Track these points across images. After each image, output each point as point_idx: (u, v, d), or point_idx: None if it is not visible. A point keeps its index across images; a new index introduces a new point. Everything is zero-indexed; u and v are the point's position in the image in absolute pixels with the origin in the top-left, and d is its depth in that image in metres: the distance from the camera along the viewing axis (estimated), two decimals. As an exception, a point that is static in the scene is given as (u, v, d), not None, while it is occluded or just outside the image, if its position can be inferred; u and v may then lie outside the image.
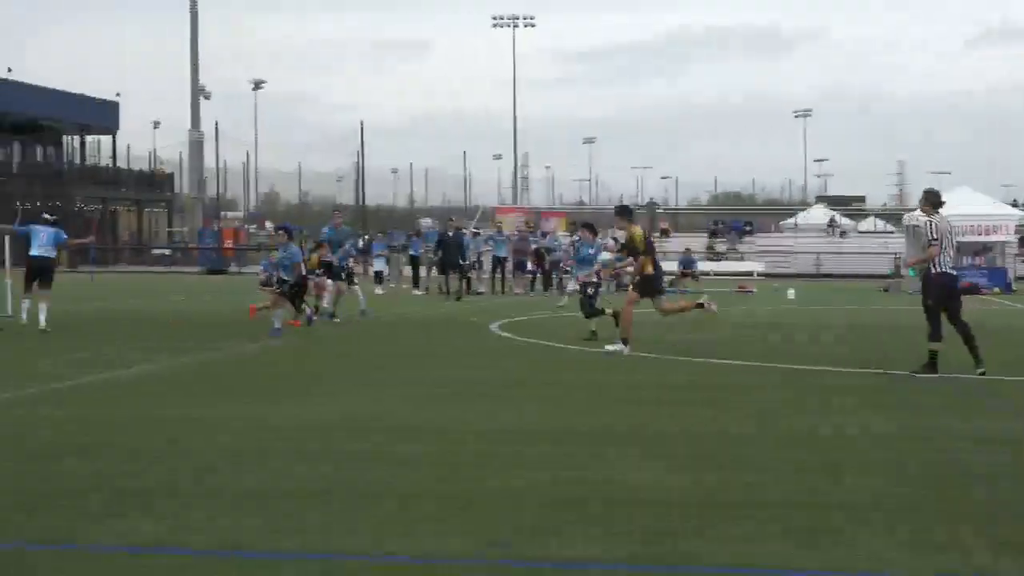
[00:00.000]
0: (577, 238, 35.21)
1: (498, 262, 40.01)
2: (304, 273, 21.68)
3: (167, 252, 75.59)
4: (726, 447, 9.66)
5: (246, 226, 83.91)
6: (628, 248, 17.76)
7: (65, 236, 22.40)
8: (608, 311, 19.36)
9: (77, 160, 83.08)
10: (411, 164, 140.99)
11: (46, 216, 22.60)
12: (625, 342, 17.12)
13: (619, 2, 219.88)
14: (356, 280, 25.29)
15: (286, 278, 20.81)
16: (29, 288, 21.43)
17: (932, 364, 14.30)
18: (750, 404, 12.18)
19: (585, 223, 23.73)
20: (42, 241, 21.37)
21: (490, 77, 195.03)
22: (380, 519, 7.16)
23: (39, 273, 21.34)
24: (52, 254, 21.66)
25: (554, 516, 7.25)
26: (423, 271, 40.09)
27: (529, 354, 17.58)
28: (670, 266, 44.35)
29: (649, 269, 17.39)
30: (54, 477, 8.44)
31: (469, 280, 36.96)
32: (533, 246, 39.97)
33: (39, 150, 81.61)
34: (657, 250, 18.72)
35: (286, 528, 6.95)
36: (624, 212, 18.26)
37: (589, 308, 19.77)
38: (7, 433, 10.30)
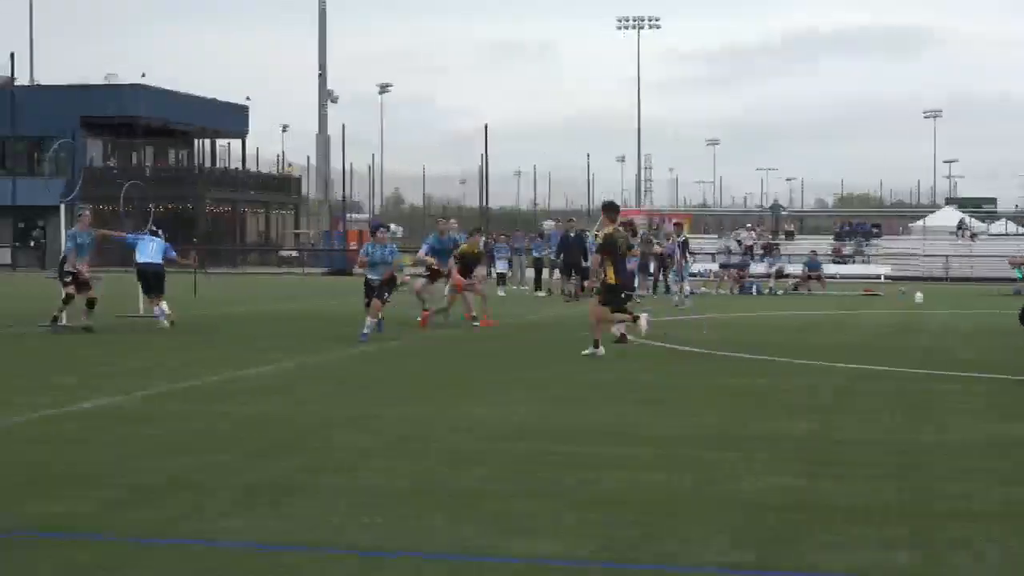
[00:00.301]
0: (683, 239, 35.22)
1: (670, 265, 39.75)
2: (394, 276, 20.30)
3: (294, 254, 76.55)
4: (844, 452, 9.60)
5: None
6: (603, 248, 17.37)
7: (174, 253, 22.96)
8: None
9: (207, 163, 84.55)
10: (534, 166, 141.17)
11: (153, 228, 23.11)
12: (596, 344, 16.97)
13: (744, 2, 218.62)
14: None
15: (374, 277, 19.67)
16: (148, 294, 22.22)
17: None
18: (871, 409, 12.10)
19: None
20: (151, 250, 22.01)
21: (613, 78, 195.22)
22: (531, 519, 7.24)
23: (149, 279, 22.07)
24: (160, 261, 22.27)
25: (679, 519, 7.28)
26: (545, 273, 40.16)
27: (654, 358, 17.52)
28: (795, 269, 43.96)
29: (612, 277, 17.10)
30: (184, 470, 8.64)
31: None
32: (656, 248, 39.72)
33: (171, 154, 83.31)
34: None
35: (432, 528, 7.04)
36: (609, 208, 18.07)
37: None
38: (151, 429, 10.58)
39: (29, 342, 19.19)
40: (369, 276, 19.80)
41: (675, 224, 40.06)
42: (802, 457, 9.33)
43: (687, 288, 33.26)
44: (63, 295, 20.82)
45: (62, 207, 25.38)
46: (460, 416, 11.37)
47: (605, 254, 17.18)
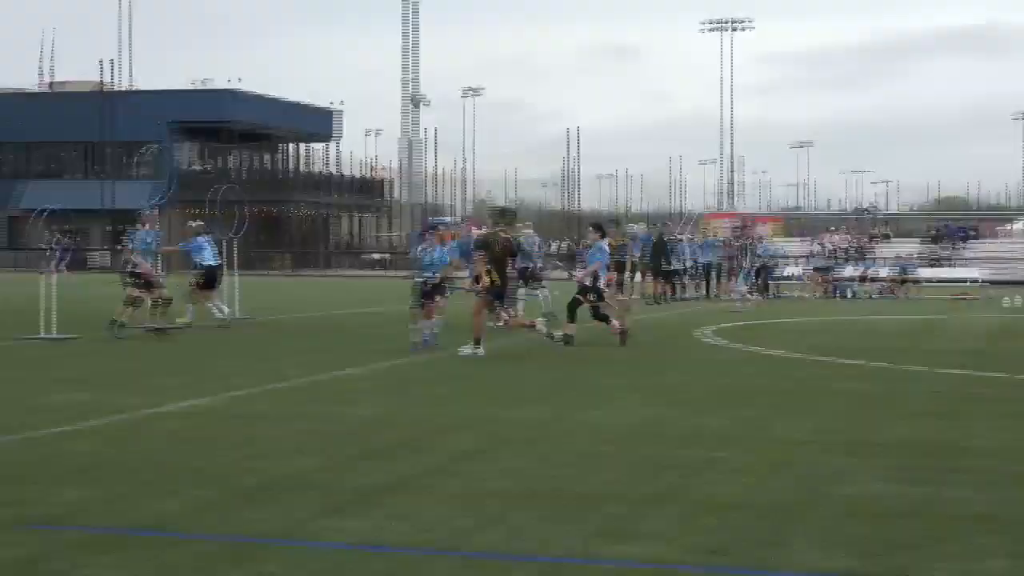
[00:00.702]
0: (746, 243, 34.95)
1: (707, 268, 39.62)
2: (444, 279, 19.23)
3: (380, 256, 77.09)
4: (971, 459, 9.41)
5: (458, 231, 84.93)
6: (478, 248, 17.86)
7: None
8: (615, 323, 19.33)
9: (297, 167, 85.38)
10: (621, 169, 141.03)
11: (208, 231, 23.46)
12: (477, 342, 17.11)
13: (833, 4, 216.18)
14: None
15: (424, 277, 18.52)
16: (205, 293, 22.34)
17: None
18: (997, 415, 11.92)
19: (593, 223, 22.45)
20: (214, 252, 22.45)
21: (701, 81, 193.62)
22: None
23: (213, 280, 22.50)
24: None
25: (798, 525, 7.18)
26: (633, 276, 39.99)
27: (764, 363, 17.34)
28: (887, 272, 43.39)
29: (488, 279, 17.55)
30: (302, 470, 8.65)
31: (674, 286, 36.66)
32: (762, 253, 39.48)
33: (262, 157, 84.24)
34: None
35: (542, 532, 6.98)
36: (496, 213, 19.01)
37: (593, 312, 19.55)
38: (268, 430, 10.65)
39: (130, 344, 19.37)
40: (422, 278, 18.57)
41: (736, 227, 39.76)
42: (929, 464, 9.09)
43: (743, 290, 33.21)
44: (128, 297, 20.45)
45: (155, 210, 25.72)
46: (578, 420, 11.30)
47: (481, 256, 17.62)
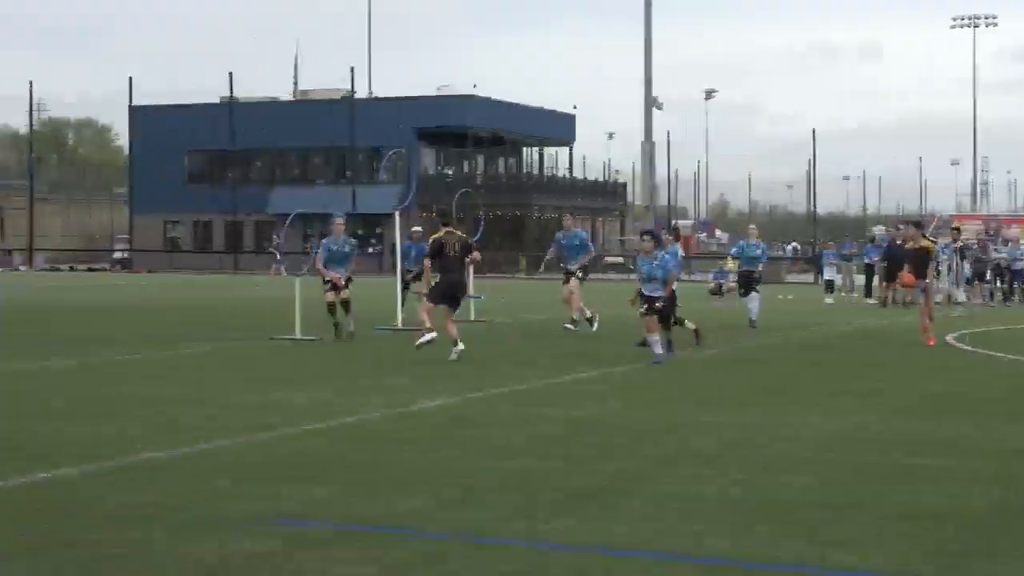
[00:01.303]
0: (958, 245, 33.71)
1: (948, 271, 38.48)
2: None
3: (619, 260, 77.22)
4: None
5: (696, 234, 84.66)
6: (431, 252, 17.96)
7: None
8: (689, 324, 19.28)
9: (535, 171, 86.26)
10: (863, 171, 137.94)
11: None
12: (429, 330, 17.13)
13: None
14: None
15: (650, 294, 17.12)
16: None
17: None
18: None
19: (646, 230, 19.39)
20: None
21: (945, 79, 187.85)
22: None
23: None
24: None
25: (1007, 538, 7.08)
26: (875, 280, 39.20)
27: (983, 367, 16.94)
28: None
29: (429, 281, 18.02)
30: (515, 471, 8.90)
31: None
32: (995, 255, 38.19)
33: (500, 162, 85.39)
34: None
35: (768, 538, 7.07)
36: (441, 214, 19.39)
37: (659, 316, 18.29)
38: (484, 431, 10.96)
39: (365, 344, 20.01)
40: (645, 291, 17.24)
41: (953, 229, 38.37)
42: None
43: (961, 295, 32.15)
44: (342, 300, 20.56)
45: (396, 215, 26.34)
46: (786, 424, 11.31)
47: (433, 257, 17.88)
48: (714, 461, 9.37)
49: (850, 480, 8.65)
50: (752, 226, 28.00)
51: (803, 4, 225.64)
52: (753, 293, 24.26)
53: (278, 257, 20.49)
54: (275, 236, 65.21)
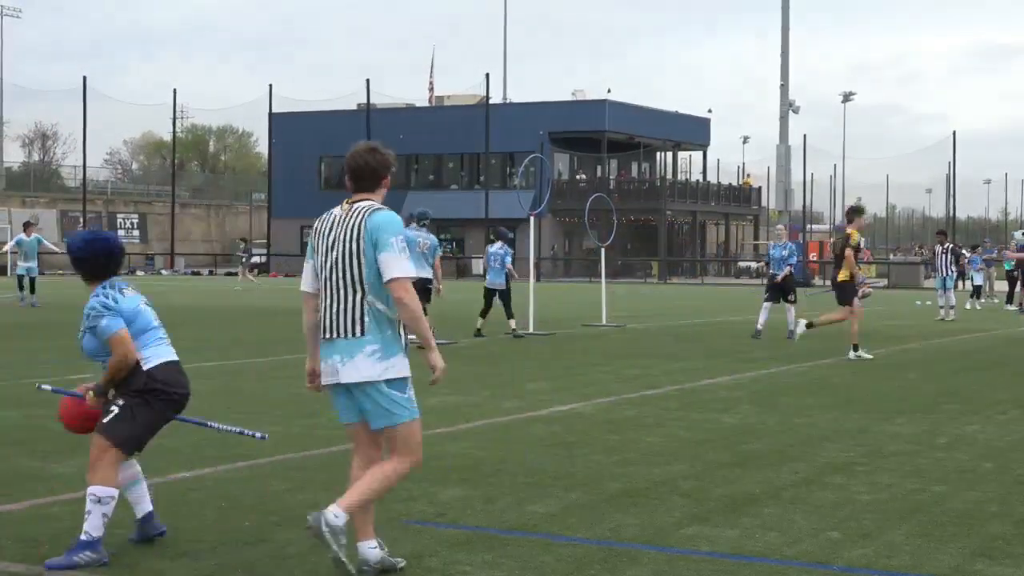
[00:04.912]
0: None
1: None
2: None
3: (752, 264, 76.55)
4: None
5: (831, 239, 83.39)
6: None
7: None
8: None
9: (669, 175, 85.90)
10: (1005, 174, 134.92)
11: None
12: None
13: None
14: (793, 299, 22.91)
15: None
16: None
17: None
18: None
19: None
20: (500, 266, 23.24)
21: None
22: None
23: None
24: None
25: None
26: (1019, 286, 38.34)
27: None
28: None
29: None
30: (669, 476, 8.80)
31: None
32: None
33: (634, 166, 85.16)
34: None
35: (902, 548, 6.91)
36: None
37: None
38: (639, 434, 10.88)
39: (497, 349, 20.05)
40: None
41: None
42: None
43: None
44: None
45: (531, 219, 26.40)
46: (953, 433, 11.05)
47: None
48: (874, 470, 9.14)
49: (1016, 492, 8.40)
50: (780, 226, 27.07)
51: (949, 6, 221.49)
52: (786, 304, 22.68)
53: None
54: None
